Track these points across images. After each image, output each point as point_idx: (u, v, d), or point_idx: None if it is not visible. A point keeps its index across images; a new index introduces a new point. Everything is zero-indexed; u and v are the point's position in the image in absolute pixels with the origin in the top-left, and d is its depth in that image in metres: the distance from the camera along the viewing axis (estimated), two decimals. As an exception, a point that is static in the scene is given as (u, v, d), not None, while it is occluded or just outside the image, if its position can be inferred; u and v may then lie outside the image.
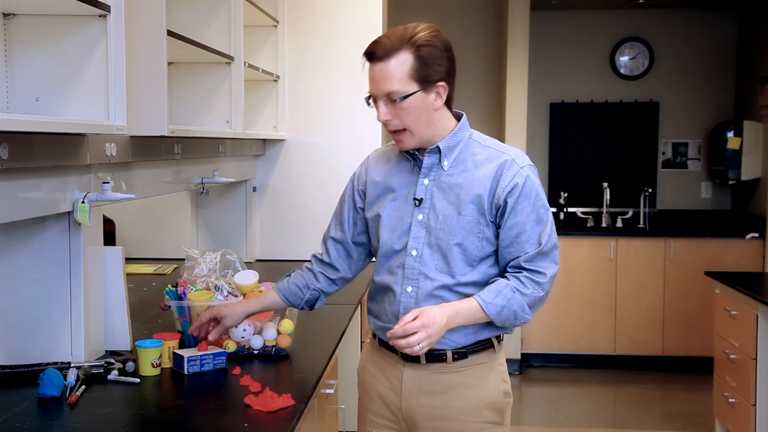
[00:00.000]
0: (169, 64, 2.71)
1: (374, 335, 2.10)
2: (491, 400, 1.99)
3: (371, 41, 1.90)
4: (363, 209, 2.10)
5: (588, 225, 6.19)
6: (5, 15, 1.95)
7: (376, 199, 2.05)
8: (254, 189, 4.08)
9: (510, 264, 1.95)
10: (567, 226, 6.12)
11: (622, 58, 6.35)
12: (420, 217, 1.96)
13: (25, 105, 1.94)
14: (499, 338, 2.03)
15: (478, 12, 6.20)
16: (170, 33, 2.38)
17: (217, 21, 2.96)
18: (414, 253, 1.95)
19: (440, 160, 1.96)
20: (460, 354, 1.96)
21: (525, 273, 1.92)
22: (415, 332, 1.82)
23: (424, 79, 1.87)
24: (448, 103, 1.97)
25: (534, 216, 1.92)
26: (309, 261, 2.21)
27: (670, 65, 6.32)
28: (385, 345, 2.05)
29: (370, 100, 1.93)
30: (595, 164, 6.37)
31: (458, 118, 2.01)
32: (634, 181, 6.32)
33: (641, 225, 6.13)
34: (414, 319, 1.84)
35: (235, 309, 2.17)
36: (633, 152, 6.34)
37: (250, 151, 3.89)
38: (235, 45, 3.01)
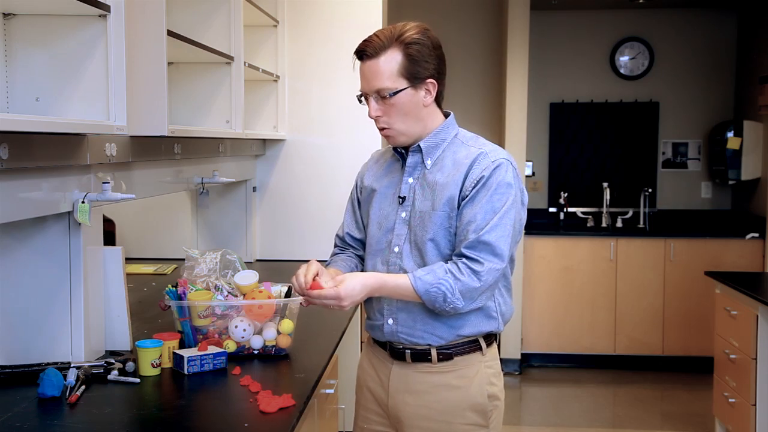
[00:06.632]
0: (169, 64, 2.71)
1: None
2: (475, 402, 1.99)
3: (362, 40, 1.95)
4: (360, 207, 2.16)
5: (588, 225, 6.19)
6: (5, 15, 1.95)
7: (367, 197, 2.11)
8: (254, 189, 4.08)
9: (454, 252, 1.94)
10: (567, 226, 6.13)
11: (622, 58, 6.34)
12: (403, 214, 2.00)
13: (25, 105, 1.94)
14: (488, 341, 2.03)
15: (478, 12, 6.20)
16: (170, 33, 2.38)
17: (217, 21, 2.97)
18: (396, 249, 1.99)
19: (423, 159, 2.00)
20: (446, 355, 1.98)
21: (464, 260, 1.89)
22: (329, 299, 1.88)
23: (413, 76, 1.92)
24: (438, 100, 2.00)
25: (489, 207, 1.90)
26: (339, 250, 2.19)
27: (670, 65, 6.32)
28: (377, 342, 2.08)
29: (362, 98, 1.98)
30: (595, 164, 6.37)
31: (447, 116, 2.04)
32: (634, 181, 6.32)
33: (641, 225, 6.13)
34: (334, 287, 1.88)
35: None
36: (633, 152, 6.34)
37: (250, 151, 3.89)
38: (235, 45, 3.01)
